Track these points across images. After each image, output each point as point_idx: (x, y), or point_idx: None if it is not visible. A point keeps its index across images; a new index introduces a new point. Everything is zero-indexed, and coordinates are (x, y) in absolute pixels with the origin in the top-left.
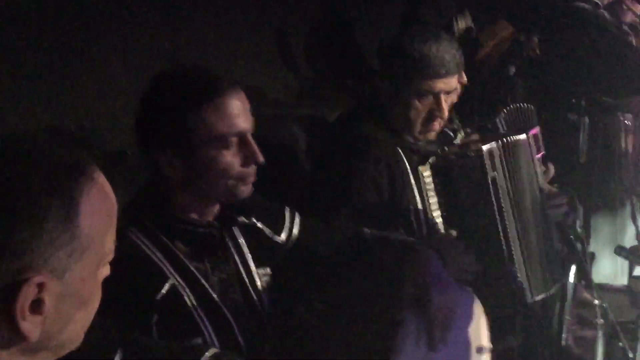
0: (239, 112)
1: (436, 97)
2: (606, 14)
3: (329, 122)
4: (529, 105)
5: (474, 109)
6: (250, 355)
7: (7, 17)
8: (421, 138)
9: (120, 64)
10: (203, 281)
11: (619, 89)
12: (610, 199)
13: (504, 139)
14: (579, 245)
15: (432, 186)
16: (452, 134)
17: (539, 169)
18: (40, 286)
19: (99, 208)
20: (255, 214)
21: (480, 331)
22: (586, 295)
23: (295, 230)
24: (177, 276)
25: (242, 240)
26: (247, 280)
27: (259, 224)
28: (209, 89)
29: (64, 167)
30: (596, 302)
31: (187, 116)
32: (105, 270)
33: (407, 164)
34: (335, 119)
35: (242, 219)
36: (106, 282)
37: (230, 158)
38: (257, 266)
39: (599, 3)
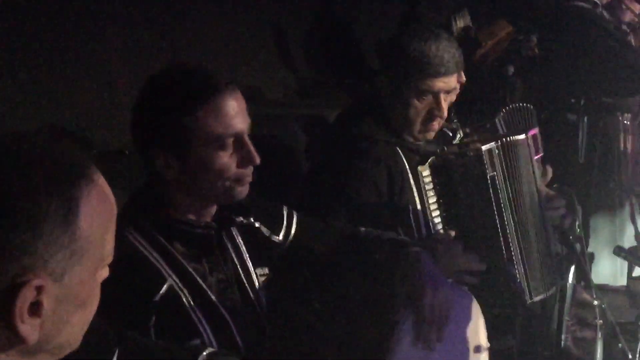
0: (235, 113)
1: (436, 96)
2: (605, 14)
3: (328, 122)
4: (528, 105)
5: (473, 109)
6: (249, 356)
7: (7, 17)
8: (420, 137)
9: (120, 63)
10: (201, 282)
11: (618, 89)
12: (610, 199)
13: (503, 139)
14: (578, 246)
15: (431, 186)
16: (451, 133)
17: (537, 170)
18: (39, 289)
19: (98, 210)
20: (253, 213)
21: (477, 330)
22: (585, 295)
23: (293, 230)
24: (174, 277)
25: (240, 240)
26: (245, 280)
27: (257, 224)
28: (205, 89)
29: (63, 169)
30: (595, 302)
31: (183, 117)
32: (104, 272)
33: (406, 163)
34: (335, 119)
35: (240, 218)
36: (104, 284)
37: (227, 159)
38: (255, 266)
39: (598, 2)
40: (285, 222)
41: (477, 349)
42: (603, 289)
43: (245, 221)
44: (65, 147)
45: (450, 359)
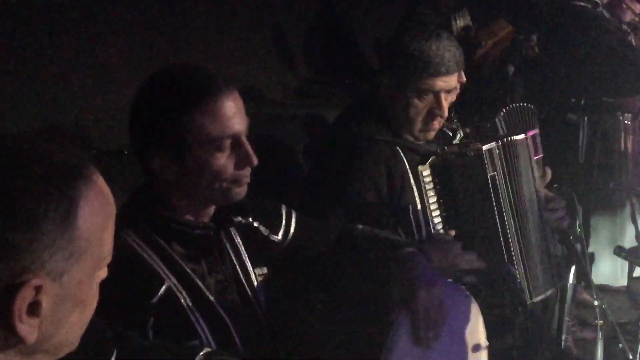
0: (232, 114)
1: (436, 95)
2: (605, 13)
3: (327, 122)
4: (529, 105)
5: (473, 109)
6: (247, 356)
7: (7, 17)
8: (421, 137)
9: (120, 63)
10: (199, 283)
11: (618, 89)
12: (610, 199)
13: (504, 139)
14: (578, 246)
15: (431, 186)
16: (451, 133)
17: (537, 171)
18: (38, 289)
19: (97, 210)
20: (252, 213)
21: (476, 330)
22: (586, 296)
23: (292, 229)
24: (173, 278)
25: (238, 240)
26: (244, 280)
27: (256, 224)
28: (202, 90)
29: (62, 169)
30: (596, 303)
31: (180, 118)
32: (103, 273)
33: (406, 163)
34: (335, 118)
35: (239, 218)
36: (102, 286)
37: (224, 160)
38: (254, 266)
39: (599, 2)
40: (284, 221)
41: (476, 348)
42: (603, 290)
43: (243, 221)
44: (63, 147)
45: (449, 359)
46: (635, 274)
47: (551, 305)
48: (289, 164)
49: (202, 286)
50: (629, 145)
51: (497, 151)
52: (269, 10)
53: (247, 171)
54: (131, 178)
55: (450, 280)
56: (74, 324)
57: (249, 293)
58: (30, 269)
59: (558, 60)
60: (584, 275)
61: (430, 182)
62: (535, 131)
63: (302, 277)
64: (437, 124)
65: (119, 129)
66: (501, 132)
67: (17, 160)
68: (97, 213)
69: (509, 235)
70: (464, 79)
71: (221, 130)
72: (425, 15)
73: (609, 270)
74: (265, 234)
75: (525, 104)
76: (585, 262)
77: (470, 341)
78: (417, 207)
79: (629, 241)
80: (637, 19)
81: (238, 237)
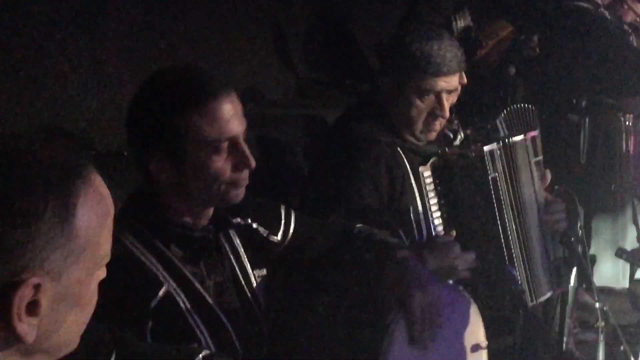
0: (229, 117)
1: (438, 95)
2: (607, 14)
3: (327, 122)
4: (530, 105)
5: (473, 110)
6: (247, 358)
7: (7, 17)
8: (422, 138)
9: (119, 63)
10: (198, 286)
11: (620, 89)
12: (612, 200)
13: (504, 140)
14: (579, 248)
15: (432, 187)
16: (451, 135)
17: (536, 172)
18: (37, 287)
19: (95, 209)
20: (251, 214)
21: (476, 332)
22: (587, 298)
23: (292, 228)
24: (171, 282)
25: (237, 242)
26: (243, 282)
27: (254, 225)
28: (199, 92)
29: (60, 168)
30: (597, 305)
31: (177, 120)
32: (102, 273)
33: (407, 164)
34: (336, 119)
35: (237, 220)
36: (100, 289)
37: (221, 163)
38: (253, 268)
39: (599, 2)
40: (283, 221)
41: (475, 348)
42: (605, 292)
43: (242, 222)
44: (62, 146)
45: (449, 359)
46: (636, 276)
47: (552, 308)
48: (289, 164)
49: (201, 289)
50: (631, 147)
51: (499, 152)
52: (269, 11)
53: (245, 174)
54: (131, 179)
55: (450, 281)
56: (73, 324)
57: (249, 295)
58: (29, 267)
59: (559, 60)
60: (585, 277)
61: (431, 183)
62: (535, 132)
63: (301, 278)
64: (438, 124)
65: (118, 130)
66: (502, 134)
67: (15, 159)
68: (95, 212)
69: (510, 237)
70: (465, 80)
71: (218, 133)
72: (425, 15)
73: (610, 272)
74: (264, 235)
75: (526, 105)
76: (587, 264)
77: (469, 341)
78: (417, 208)
79: (630, 243)
80: (638, 19)
81: (237, 239)
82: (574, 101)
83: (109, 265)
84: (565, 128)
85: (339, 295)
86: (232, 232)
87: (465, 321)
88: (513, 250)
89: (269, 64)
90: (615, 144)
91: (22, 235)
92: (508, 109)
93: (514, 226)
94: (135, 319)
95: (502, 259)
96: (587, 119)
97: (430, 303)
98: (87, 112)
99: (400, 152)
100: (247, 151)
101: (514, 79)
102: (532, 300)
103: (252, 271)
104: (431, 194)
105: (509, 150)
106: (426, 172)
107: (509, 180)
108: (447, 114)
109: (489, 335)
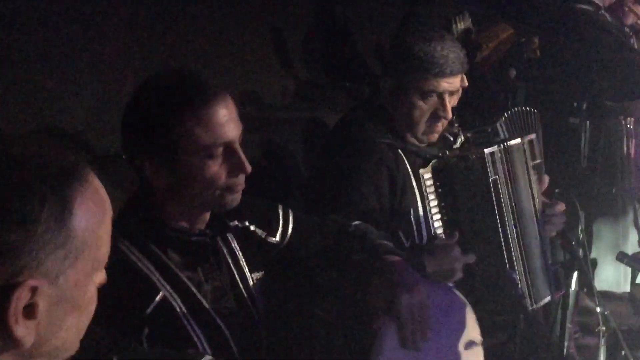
0: (225, 121)
1: (440, 97)
2: (607, 16)
3: (327, 125)
4: (531, 108)
5: (474, 113)
6: None
7: (6, 17)
8: (424, 139)
9: (118, 66)
10: (195, 291)
11: (620, 92)
12: (613, 204)
13: (503, 143)
14: (580, 252)
15: (433, 189)
16: (452, 138)
17: (533, 176)
18: (34, 290)
19: (93, 211)
20: (248, 216)
21: (468, 325)
22: (588, 302)
23: (290, 229)
24: (168, 287)
25: (235, 245)
26: (241, 286)
27: (252, 227)
28: (193, 98)
29: (57, 170)
30: (598, 309)
31: (170, 125)
32: (101, 276)
33: (408, 166)
34: (337, 121)
35: (235, 222)
36: (97, 295)
37: (216, 168)
38: (251, 271)
39: (600, 5)
40: (281, 222)
41: (469, 345)
42: (606, 296)
43: (240, 225)
44: (59, 148)
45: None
46: (638, 280)
47: (553, 312)
48: (288, 167)
49: (198, 294)
50: (632, 150)
51: (499, 155)
52: (268, 13)
53: (241, 179)
54: (129, 182)
55: (450, 284)
56: (72, 328)
57: (246, 299)
58: (26, 269)
59: (560, 63)
60: (586, 282)
61: (431, 185)
62: (533, 136)
63: (298, 280)
64: (440, 125)
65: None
66: (502, 137)
67: (11, 160)
68: (92, 214)
69: (510, 240)
70: (466, 83)
71: (213, 138)
72: (424, 17)
73: (611, 276)
74: (262, 236)
75: (527, 108)
76: (588, 268)
77: (462, 338)
78: (418, 210)
79: (631, 247)
80: (639, 21)
81: (235, 242)
82: (575, 104)
83: (106, 267)
84: (566, 131)
85: (336, 297)
86: (229, 236)
87: (460, 322)
88: (513, 253)
89: (268, 66)
90: (616, 147)
91: (19, 237)
92: (509, 112)
93: (514, 228)
94: (131, 326)
95: (502, 262)
96: (588, 122)
97: (418, 305)
98: (85, 114)
99: (401, 154)
100: (243, 156)
101: (514, 81)
102: (532, 305)
103: (251, 274)
104: (431, 196)
105: (508, 153)
106: (427, 175)
107: (509, 183)
108: (450, 115)
109: (489, 339)
